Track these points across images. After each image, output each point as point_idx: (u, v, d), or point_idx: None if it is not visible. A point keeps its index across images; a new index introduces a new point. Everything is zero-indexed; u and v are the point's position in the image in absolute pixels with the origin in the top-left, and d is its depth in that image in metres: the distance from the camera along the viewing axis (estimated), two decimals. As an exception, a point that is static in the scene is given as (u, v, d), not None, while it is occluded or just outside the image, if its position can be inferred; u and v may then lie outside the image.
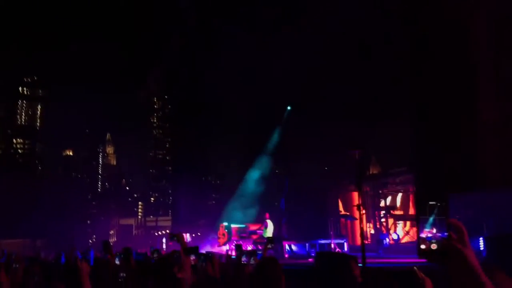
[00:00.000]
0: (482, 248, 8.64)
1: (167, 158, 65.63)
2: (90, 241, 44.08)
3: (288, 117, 20.08)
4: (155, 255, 8.57)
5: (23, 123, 66.33)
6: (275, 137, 20.75)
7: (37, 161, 60.31)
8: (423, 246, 1.79)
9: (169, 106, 62.35)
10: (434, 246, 1.68)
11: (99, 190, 67.13)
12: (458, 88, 9.33)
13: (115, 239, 39.18)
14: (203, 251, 10.49)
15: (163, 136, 69.31)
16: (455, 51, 9.85)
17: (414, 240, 14.80)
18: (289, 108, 19.92)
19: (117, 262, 8.92)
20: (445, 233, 1.67)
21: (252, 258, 6.19)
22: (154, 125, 71.50)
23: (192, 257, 6.30)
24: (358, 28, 14.24)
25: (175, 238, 5.94)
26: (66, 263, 9.24)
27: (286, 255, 14.44)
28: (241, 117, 21.00)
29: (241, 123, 21.06)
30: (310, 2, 15.12)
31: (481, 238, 8.65)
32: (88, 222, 53.06)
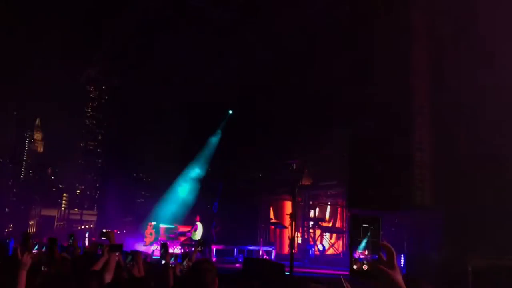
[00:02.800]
0: (402, 265, 9.09)
1: (98, 150, 63.53)
2: (7, 230, 41.69)
3: (229, 120, 20.11)
4: (70, 241, 8.18)
5: None
6: (214, 140, 20.69)
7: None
8: (355, 266, 1.85)
9: (106, 97, 60.53)
10: (365, 267, 1.76)
11: (21, 177, 63.72)
12: (392, 114, 9.74)
13: (35, 230, 37.33)
14: (128, 249, 10.21)
15: (96, 127, 67.04)
16: (391, 75, 10.26)
17: (338, 252, 15.28)
18: (230, 112, 19.94)
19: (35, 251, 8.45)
20: (376, 256, 1.76)
21: (186, 260, 6.12)
22: (88, 114, 69.01)
23: (117, 254, 6.11)
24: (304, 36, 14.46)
25: (106, 236, 5.75)
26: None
27: (214, 259, 14.39)
28: (180, 116, 20.74)
29: (180, 122, 20.79)
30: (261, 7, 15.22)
31: (402, 256, 9.09)
32: (6, 210, 50.17)
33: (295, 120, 15.55)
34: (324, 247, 15.96)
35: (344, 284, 3.50)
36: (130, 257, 6.11)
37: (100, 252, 7.99)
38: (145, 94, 23.03)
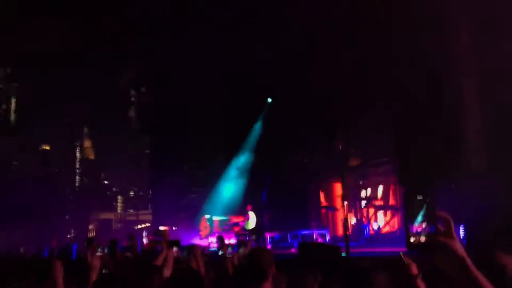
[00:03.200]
0: (462, 236, 8.82)
1: (146, 151, 65.13)
2: (69, 235, 43.55)
3: (269, 109, 20.08)
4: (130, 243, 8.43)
5: (-3, 117, 64.99)
6: (256, 130, 20.74)
7: (13, 157, 59.14)
8: (412, 239, 1.78)
9: (147, 99, 61.91)
10: (423, 239, 1.70)
11: (77, 184, 66.23)
12: (439, 78, 9.44)
13: (95, 234, 38.87)
14: (184, 244, 10.42)
15: (141, 129, 68.76)
16: (434, 40, 9.93)
17: (394, 230, 15.03)
18: (269, 100, 19.91)
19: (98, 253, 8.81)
20: (433, 227, 1.69)
21: (242, 249, 6.20)
22: (132, 118, 70.80)
23: (175, 250, 6.24)
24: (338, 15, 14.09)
25: (161, 234, 5.92)
26: (49, 257, 9.11)
27: (269, 246, 14.49)
28: (221, 110, 20.90)
29: (222, 116, 20.95)
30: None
31: (461, 226, 8.82)
32: (67, 217, 52.35)
33: (337, 100, 15.31)
34: (379, 225, 15.75)
35: (404, 260, 3.44)
36: (186, 251, 6.24)
37: (160, 249, 8.23)
38: (184, 92, 23.35)
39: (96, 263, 3.67)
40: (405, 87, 10.31)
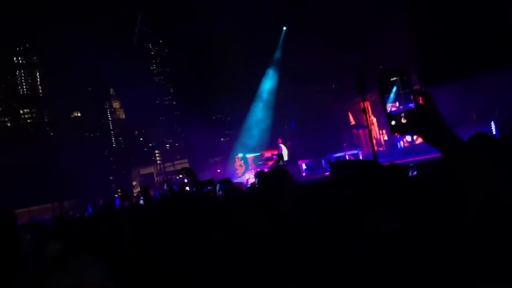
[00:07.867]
0: (494, 132, 8.57)
1: (174, 103, 65.64)
2: (116, 195, 45.14)
3: (285, 38, 19.56)
4: (165, 187, 8.64)
5: (25, 92, 66.18)
6: (275, 59, 20.27)
7: (48, 128, 60.78)
8: (393, 122, 1.71)
9: (166, 50, 61.60)
10: (404, 120, 1.64)
11: (114, 145, 67.89)
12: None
13: (139, 189, 40.09)
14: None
15: (165, 81, 68.99)
16: None
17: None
18: (284, 28, 19.34)
19: (141, 203, 9.13)
20: (409, 105, 1.62)
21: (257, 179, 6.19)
22: (155, 72, 70.93)
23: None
24: None
25: (183, 172, 5.93)
26: (92, 213, 9.49)
27: (304, 174, 14.61)
28: (237, 47, 20.52)
29: (239, 53, 20.60)
30: None
31: (492, 122, 8.55)
32: (111, 178, 54.16)
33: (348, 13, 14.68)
34: (412, 137, 15.57)
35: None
36: (218, 186, 6.29)
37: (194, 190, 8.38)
38: (196, 34, 22.99)
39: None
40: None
